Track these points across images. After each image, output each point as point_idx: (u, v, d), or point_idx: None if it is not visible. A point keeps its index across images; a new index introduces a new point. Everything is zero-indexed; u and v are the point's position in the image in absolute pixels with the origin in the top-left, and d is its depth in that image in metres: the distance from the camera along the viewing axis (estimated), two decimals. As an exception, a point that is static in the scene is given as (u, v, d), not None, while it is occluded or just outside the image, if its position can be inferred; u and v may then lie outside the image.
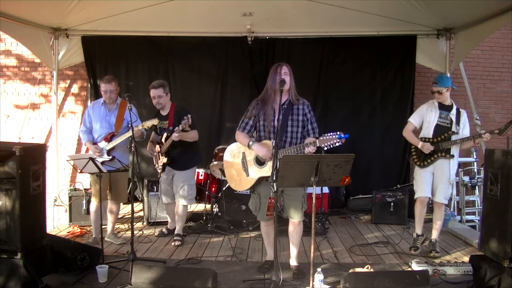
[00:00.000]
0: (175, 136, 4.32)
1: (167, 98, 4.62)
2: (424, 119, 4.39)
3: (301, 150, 3.42)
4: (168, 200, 4.84)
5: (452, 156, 4.27)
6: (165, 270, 3.42)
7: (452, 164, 4.29)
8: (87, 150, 4.65)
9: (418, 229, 4.46)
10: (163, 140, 4.57)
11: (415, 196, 4.44)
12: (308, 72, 6.44)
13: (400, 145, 6.31)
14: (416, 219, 4.46)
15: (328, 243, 4.75)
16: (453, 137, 4.25)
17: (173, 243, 4.62)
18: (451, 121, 4.29)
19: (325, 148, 3.31)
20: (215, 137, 6.46)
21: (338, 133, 3.26)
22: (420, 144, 4.30)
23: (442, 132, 4.28)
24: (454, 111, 4.32)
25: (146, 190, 5.33)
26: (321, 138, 3.32)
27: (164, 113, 4.66)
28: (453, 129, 4.27)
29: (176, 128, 4.33)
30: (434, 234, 4.41)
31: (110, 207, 4.62)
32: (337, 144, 3.27)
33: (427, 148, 4.25)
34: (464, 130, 4.32)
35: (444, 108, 4.34)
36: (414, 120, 4.44)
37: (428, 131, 4.35)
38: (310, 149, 3.36)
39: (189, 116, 4.27)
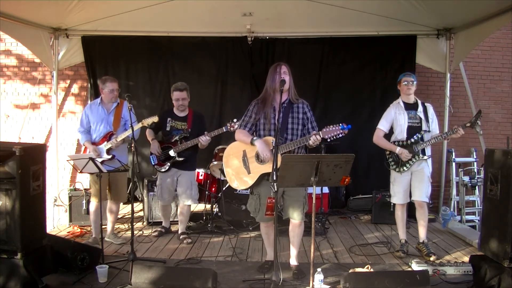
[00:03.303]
0: (206, 139, 4.51)
1: (188, 101, 4.76)
2: (394, 123, 4.33)
3: (304, 142, 3.43)
4: (167, 202, 4.90)
5: (429, 156, 4.24)
6: (165, 270, 3.42)
7: (429, 162, 4.27)
8: (85, 150, 4.65)
9: (402, 234, 4.42)
10: (177, 139, 4.65)
11: (393, 201, 4.41)
12: (308, 72, 6.44)
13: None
14: (399, 223, 4.42)
15: (328, 243, 4.75)
16: (426, 136, 4.20)
17: (184, 241, 4.68)
18: (420, 119, 4.25)
19: (328, 140, 3.32)
20: (215, 137, 6.39)
21: (341, 124, 3.30)
22: (398, 150, 4.21)
23: (415, 133, 4.22)
24: (420, 108, 4.28)
25: (146, 190, 5.34)
26: (325, 130, 3.35)
27: (181, 114, 4.75)
28: (424, 127, 4.23)
29: (207, 133, 4.56)
30: (423, 234, 4.33)
31: (110, 207, 4.63)
32: (340, 135, 3.31)
33: (405, 156, 4.17)
34: (433, 124, 4.28)
35: (410, 107, 4.29)
36: (383, 126, 4.37)
37: (402, 135, 4.27)
38: (317, 138, 3.36)
39: (226, 127, 4.50)
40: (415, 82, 4.29)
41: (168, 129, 4.71)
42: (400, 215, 4.40)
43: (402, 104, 4.33)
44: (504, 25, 5.66)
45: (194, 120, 4.74)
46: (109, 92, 4.55)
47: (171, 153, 4.59)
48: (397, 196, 4.34)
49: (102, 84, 4.59)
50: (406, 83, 4.27)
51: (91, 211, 4.63)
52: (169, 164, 4.66)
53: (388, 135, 4.42)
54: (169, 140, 4.69)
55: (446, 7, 5.04)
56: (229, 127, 4.49)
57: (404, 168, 4.25)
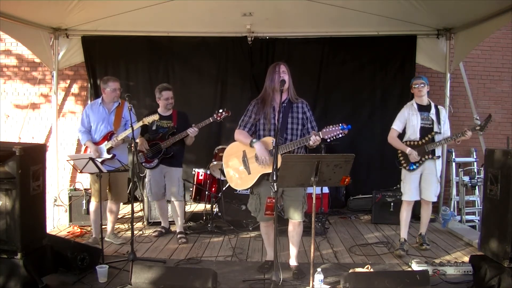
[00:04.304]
0: (194, 131, 4.59)
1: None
2: (407, 124, 4.48)
3: (304, 142, 3.43)
4: (156, 198, 4.93)
5: (438, 157, 4.39)
6: (165, 270, 3.42)
7: (438, 163, 4.41)
8: (85, 150, 4.64)
9: (404, 233, 4.48)
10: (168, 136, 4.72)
11: (403, 199, 4.51)
12: (308, 72, 6.43)
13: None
14: (403, 222, 4.49)
15: (328, 243, 4.75)
16: (437, 137, 4.35)
17: (179, 241, 4.70)
18: (432, 121, 4.39)
19: (328, 140, 3.33)
20: (215, 137, 6.45)
21: (341, 124, 3.32)
22: (408, 150, 4.36)
23: (426, 134, 4.38)
24: (433, 110, 4.43)
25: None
26: (324, 130, 3.35)
27: (166, 114, 4.82)
28: (435, 129, 4.38)
29: (194, 124, 4.62)
30: (423, 228, 4.57)
31: (110, 207, 4.63)
32: (340, 136, 3.32)
33: (414, 157, 4.32)
34: (445, 126, 4.44)
35: (423, 109, 4.44)
36: (397, 126, 4.52)
37: (415, 135, 4.42)
38: (317, 138, 3.36)
39: (213, 117, 4.64)
40: (426, 84, 4.43)
41: (154, 128, 4.77)
42: (404, 214, 4.48)
43: (415, 105, 4.46)
44: (504, 25, 5.65)
45: (179, 117, 4.84)
46: (112, 91, 4.54)
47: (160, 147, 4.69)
48: (407, 194, 4.46)
49: (104, 83, 4.59)
50: (417, 86, 4.43)
51: (91, 211, 4.63)
52: (157, 160, 4.70)
53: (401, 135, 4.56)
54: (155, 138, 4.74)
55: (446, 7, 5.04)
56: (215, 117, 4.60)
57: (414, 166, 4.38)
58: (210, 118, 4.62)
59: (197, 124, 4.63)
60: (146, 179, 4.91)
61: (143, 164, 4.80)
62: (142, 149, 4.72)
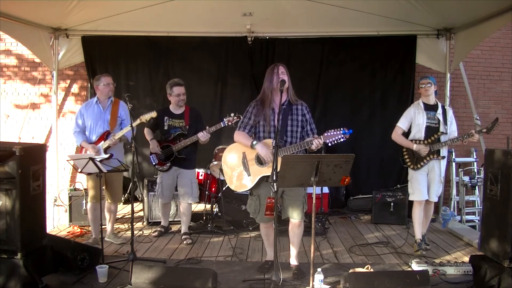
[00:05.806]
0: (204, 135, 4.47)
1: (186, 96, 4.74)
2: (413, 122, 4.46)
3: (305, 146, 3.44)
4: (167, 200, 4.91)
5: (443, 157, 4.38)
6: (165, 270, 3.42)
7: (442, 163, 4.41)
8: (80, 151, 4.60)
9: (419, 234, 4.44)
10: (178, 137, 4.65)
11: (412, 199, 4.48)
12: (308, 72, 6.43)
13: (400, 145, 6.32)
14: (416, 222, 4.45)
15: (328, 243, 4.75)
16: (442, 138, 4.33)
17: (184, 242, 4.67)
18: (439, 120, 4.38)
19: (329, 144, 3.34)
20: (215, 137, 6.40)
21: (342, 129, 3.33)
22: (415, 147, 4.34)
23: (432, 133, 4.35)
24: (440, 110, 4.41)
25: (146, 190, 5.33)
26: (326, 134, 3.37)
27: (178, 112, 4.72)
28: (442, 129, 4.36)
29: (208, 128, 4.50)
30: (423, 229, 4.55)
31: (108, 207, 4.62)
32: (341, 140, 3.33)
33: (424, 150, 4.30)
34: (452, 126, 4.43)
35: (429, 108, 4.42)
36: (402, 124, 4.50)
37: (420, 134, 4.40)
38: (319, 142, 3.37)
39: (224, 122, 4.46)
40: (432, 84, 4.42)
41: (166, 128, 4.69)
42: (417, 213, 4.45)
43: (422, 104, 4.45)
44: (504, 25, 5.66)
45: (191, 117, 4.72)
46: (105, 86, 4.50)
47: (171, 151, 4.61)
48: (416, 194, 4.43)
49: (96, 81, 4.57)
50: (423, 85, 4.43)
51: (88, 211, 4.63)
52: (169, 163, 4.66)
53: (406, 135, 4.55)
54: (167, 139, 4.68)
55: (446, 7, 5.04)
56: (227, 122, 4.46)
57: (418, 166, 4.37)
58: (221, 123, 4.49)
59: (208, 128, 4.51)
60: (158, 181, 4.85)
61: (156, 166, 4.74)
62: (156, 151, 4.66)
